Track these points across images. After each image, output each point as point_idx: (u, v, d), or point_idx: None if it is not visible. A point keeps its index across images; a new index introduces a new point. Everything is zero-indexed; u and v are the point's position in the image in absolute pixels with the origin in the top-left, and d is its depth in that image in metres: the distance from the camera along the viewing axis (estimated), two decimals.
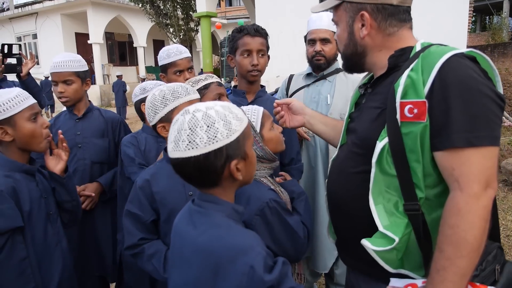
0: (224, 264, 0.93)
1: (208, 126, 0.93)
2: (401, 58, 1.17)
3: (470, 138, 0.97)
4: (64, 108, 2.25)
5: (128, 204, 1.50)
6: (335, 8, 1.29)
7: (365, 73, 1.43)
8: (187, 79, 2.13)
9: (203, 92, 1.68)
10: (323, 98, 2.22)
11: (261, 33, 1.87)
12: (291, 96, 2.37)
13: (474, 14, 20.41)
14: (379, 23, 1.20)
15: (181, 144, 0.94)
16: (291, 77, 2.50)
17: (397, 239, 1.06)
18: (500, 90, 1.06)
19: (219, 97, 1.70)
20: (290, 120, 1.61)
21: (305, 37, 2.35)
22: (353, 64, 1.32)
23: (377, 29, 1.21)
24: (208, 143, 0.93)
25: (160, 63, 2.24)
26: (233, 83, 3.80)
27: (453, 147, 0.99)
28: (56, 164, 1.68)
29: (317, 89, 2.28)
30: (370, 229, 1.14)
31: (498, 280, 1.07)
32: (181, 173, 1.01)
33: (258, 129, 1.43)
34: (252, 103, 1.92)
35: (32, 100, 1.56)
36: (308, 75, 2.36)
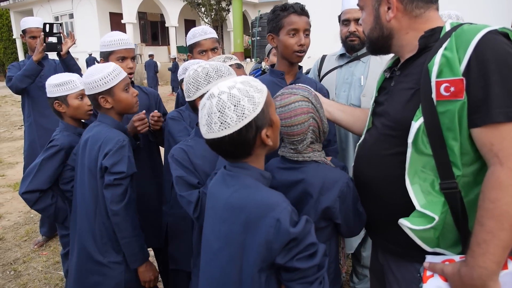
0: (254, 219, 1.03)
1: (235, 106, 1.02)
2: (432, 38, 1.18)
3: (510, 113, 0.98)
4: None
5: (175, 171, 1.51)
6: None
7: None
8: (209, 60, 2.15)
9: None
10: (356, 80, 2.18)
11: (306, 12, 1.81)
12: (323, 77, 2.35)
13: None
14: (405, 5, 1.21)
15: (214, 126, 1.04)
16: (323, 57, 2.46)
17: (437, 218, 1.08)
18: None
19: None
20: None
21: (339, 17, 2.29)
22: (380, 47, 1.33)
23: (404, 12, 1.22)
24: (238, 121, 1.02)
25: (188, 44, 2.33)
26: (263, 64, 3.77)
27: (493, 123, 0.99)
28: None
29: (350, 70, 2.23)
30: (405, 210, 1.16)
31: None
32: (217, 150, 1.12)
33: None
34: (291, 84, 1.89)
35: (124, 74, 1.82)
36: (342, 55, 2.32)
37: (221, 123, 1.02)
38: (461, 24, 1.13)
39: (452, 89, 1.04)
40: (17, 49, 22.68)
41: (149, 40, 21.07)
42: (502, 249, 0.98)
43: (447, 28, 1.15)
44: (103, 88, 1.74)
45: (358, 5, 1.36)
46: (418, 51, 1.21)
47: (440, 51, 1.08)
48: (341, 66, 2.28)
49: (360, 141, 1.44)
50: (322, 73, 2.38)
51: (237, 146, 1.06)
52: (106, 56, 2.20)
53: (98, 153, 1.72)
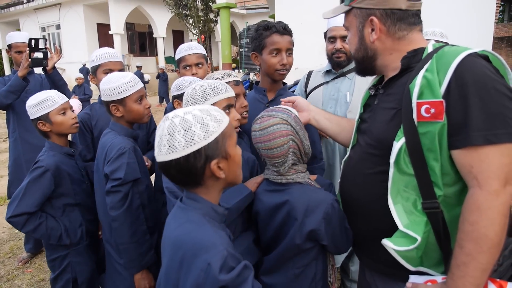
0: (188, 258, 0.98)
1: (185, 130, 0.99)
2: (414, 59, 1.20)
3: (488, 136, 0.99)
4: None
5: (165, 184, 1.51)
6: (345, 14, 1.33)
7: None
8: (193, 74, 2.19)
9: None
10: (342, 96, 2.21)
11: (289, 31, 1.83)
12: (309, 93, 2.37)
13: (502, 3, 19.65)
14: (388, 27, 1.23)
15: (163, 148, 1.01)
16: (310, 73, 2.49)
17: (419, 238, 1.08)
18: None
19: (235, 97, 1.71)
20: None
21: (325, 34, 2.33)
22: (365, 67, 1.35)
23: (387, 33, 1.24)
24: (186, 146, 0.98)
25: (176, 59, 2.40)
26: (251, 75, 3.78)
27: (472, 145, 1.00)
28: None
29: (336, 87, 2.26)
30: (389, 229, 1.17)
31: None
32: (167, 175, 1.07)
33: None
34: (272, 101, 1.91)
35: (140, 85, 1.85)
36: (328, 72, 2.35)
37: (169, 146, 0.99)
38: (443, 46, 1.15)
39: (432, 110, 1.05)
40: (3, 60, 22.38)
41: (137, 51, 21.00)
42: (481, 272, 0.99)
43: (429, 49, 1.17)
44: (115, 97, 1.78)
45: (344, 25, 1.38)
46: (400, 71, 1.23)
47: (421, 72, 1.10)
48: (327, 82, 2.31)
49: (345, 157, 1.45)
50: (308, 89, 2.40)
51: (183, 172, 1.02)
52: (94, 71, 2.22)
53: (104, 161, 1.77)
